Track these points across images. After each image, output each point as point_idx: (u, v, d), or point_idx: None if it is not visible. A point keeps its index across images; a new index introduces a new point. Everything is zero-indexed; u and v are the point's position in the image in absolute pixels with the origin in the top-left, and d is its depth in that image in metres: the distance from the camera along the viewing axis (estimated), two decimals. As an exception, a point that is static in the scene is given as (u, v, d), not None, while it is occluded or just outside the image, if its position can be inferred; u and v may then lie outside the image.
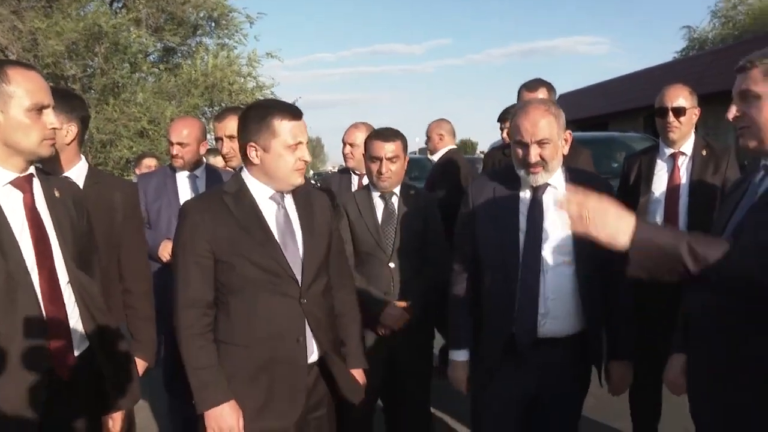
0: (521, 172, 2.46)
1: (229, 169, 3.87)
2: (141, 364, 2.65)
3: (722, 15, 34.64)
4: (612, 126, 23.75)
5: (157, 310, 3.68)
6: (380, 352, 3.21)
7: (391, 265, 3.17)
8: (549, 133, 2.40)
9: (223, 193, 2.29)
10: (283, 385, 2.27)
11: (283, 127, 2.22)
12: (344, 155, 4.11)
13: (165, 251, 3.48)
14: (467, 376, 2.66)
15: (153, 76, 14.84)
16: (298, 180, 2.31)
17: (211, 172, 3.82)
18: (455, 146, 5.34)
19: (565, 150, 2.51)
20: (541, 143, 2.39)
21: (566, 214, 2.41)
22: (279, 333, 2.26)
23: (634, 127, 20.82)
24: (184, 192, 3.71)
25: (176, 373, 3.76)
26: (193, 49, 16.06)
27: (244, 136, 2.27)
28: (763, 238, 1.71)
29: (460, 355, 2.66)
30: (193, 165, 3.74)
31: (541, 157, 2.39)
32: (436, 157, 5.23)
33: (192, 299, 2.21)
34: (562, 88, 32.93)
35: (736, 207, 1.99)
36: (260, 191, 2.30)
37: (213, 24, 16.23)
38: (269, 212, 2.31)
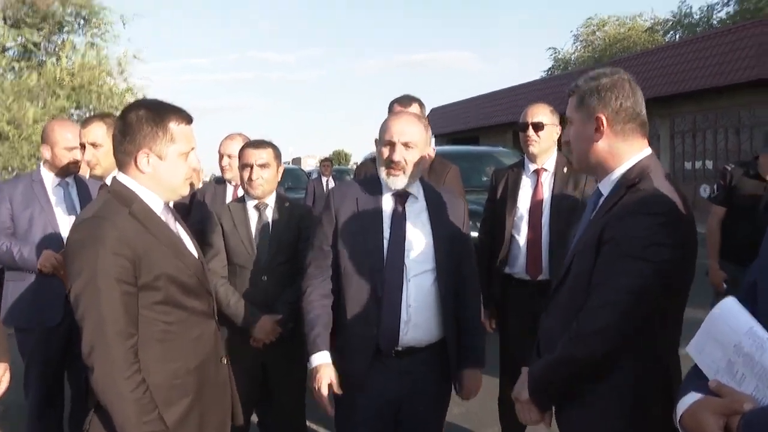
0: (382, 174, 2.54)
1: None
2: (3, 367, 2.51)
3: (583, 39, 37.21)
4: (482, 140, 24.81)
5: (24, 329, 3.45)
6: (254, 365, 3.19)
7: (264, 277, 3.16)
8: (417, 139, 2.51)
9: (126, 207, 1.99)
10: (212, 413, 2.14)
11: (181, 132, 2.04)
12: (221, 167, 4.07)
13: (47, 262, 3.29)
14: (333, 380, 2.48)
15: (13, 73, 13.89)
16: (186, 190, 2.18)
17: (79, 180, 3.66)
18: None
19: (425, 165, 2.61)
20: (407, 145, 2.49)
21: (428, 224, 2.53)
22: (206, 358, 2.12)
23: (504, 141, 21.89)
24: (57, 200, 3.53)
25: (50, 400, 3.56)
26: (59, 46, 15.17)
27: (132, 141, 1.99)
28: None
29: (324, 357, 2.48)
30: (64, 172, 3.56)
31: (404, 158, 2.48)
32: None
33: (126, 332, 1.88)
34: (434, 102, 34.11)
35: (579, 226, 2.15)
36: (153, 202, 2.06)
37: (82, 21, 15.43)
38: (171, 225, 2.12)
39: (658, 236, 1.77)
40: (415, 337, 2.50)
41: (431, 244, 2.53)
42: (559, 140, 3.69)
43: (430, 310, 2.52)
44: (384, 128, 2.55)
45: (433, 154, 2.66)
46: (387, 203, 2.57)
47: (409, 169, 2.50)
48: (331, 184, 12.32)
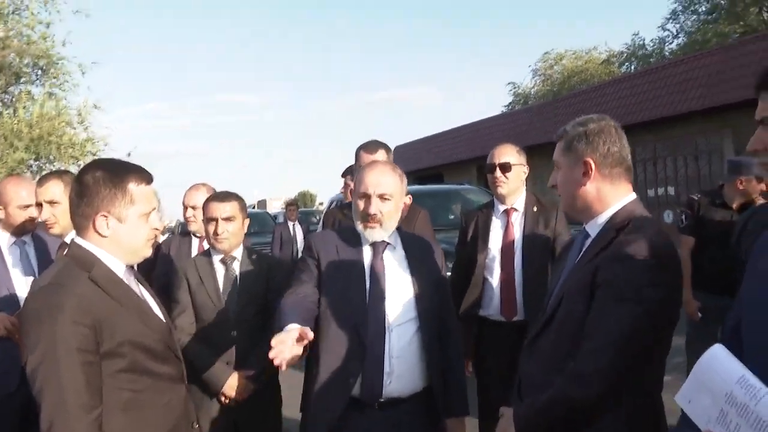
0: (359, 226, 2.51)
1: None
2: None
3: (542, 73, 38.01)
4: (447, 176, 24.97)
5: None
6: (225, 422, 3.06)
7: (234, 332, 3.07)
8: (392, 190, 2.49)
9: (85, 272, 1.90)
10: None
11: (141, 192, 1.97)
12: (186, 218, 3.98)
13: (1, 325, 3.14)
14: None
15: (-32, 127, 13.63)
16: (149, 252, 2.09)
17: (38, 238, 3.52)
18: None
19: (402, 215, 2.60)
20: (383, 197, 2.47)
21: (408, 272, 2.48)
22: (176, 424, 2.03)
23: (468, 177, 22.06)
24: (13, 260, 3.38)
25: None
26: (16, 97, 14.93)
27: (89, 203, 1.92)
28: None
29: (293, 325, 2.11)
30: (20, 231, 3.42)
31: (380, 211, 2.46)
32: None
33: (89, 405, 1.76)
34: (402, 139, 34.40)
35: (564, 267, 2.12)
36: (114, 266, 1.97)
37: (39, 72, 15.23)
38: (134, 288, 2.04)
39: (650, 278, 1.80)
40: (397, 387, 2.43)
41: (412, 292, 2.50)
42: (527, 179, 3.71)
43: (414, 359, 2.46)
44: (359, 180, 2.53)
45: (409, 203, 2.64)
46: (366, 254, 2.53)
47: (386, 220, 2.48)
48: (298, 227, 12.13)
